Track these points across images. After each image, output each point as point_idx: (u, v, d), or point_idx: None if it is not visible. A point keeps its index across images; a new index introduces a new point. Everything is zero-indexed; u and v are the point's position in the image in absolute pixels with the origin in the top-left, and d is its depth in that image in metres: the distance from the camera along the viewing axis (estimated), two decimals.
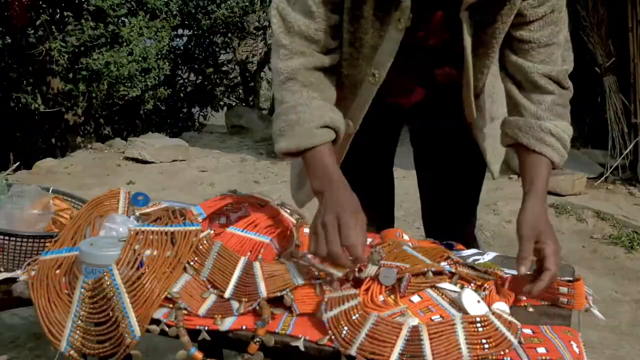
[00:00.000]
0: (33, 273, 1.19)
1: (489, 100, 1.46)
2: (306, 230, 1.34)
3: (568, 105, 1.31)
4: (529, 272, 1.12)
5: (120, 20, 6.67)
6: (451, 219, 1.61)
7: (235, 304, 1.08)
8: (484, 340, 0.96)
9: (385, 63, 1.26)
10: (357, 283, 1.12)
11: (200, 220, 1.28)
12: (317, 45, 1.24)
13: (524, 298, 1.14)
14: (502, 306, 1.07)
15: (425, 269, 1.13)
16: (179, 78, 8.82)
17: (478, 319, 0.98)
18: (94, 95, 6.78)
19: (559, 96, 1.28)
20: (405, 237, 1.33)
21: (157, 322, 1.06)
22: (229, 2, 8.42)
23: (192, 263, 1.15)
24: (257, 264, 1.14)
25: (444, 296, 1.12)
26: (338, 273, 1.11)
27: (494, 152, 1.51)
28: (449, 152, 1.55)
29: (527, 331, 1.02)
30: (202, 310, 1.07)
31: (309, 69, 1.23)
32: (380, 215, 1.61)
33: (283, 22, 1.23)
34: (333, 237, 1.06)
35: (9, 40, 6.74)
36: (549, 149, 1.25)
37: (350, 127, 1.35)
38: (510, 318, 1.01)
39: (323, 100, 1.23)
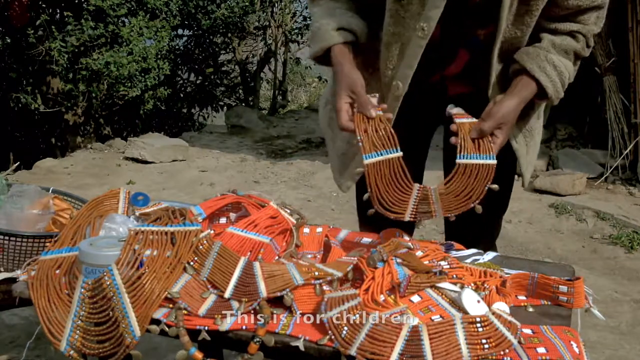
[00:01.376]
0: (33, 273, 1.19)
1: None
2: (306, 230, 1.34)
3: (580, 58, 1.39)
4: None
5: (120, 20, 6.67)
6: (477, 228, 1.58)
7: (235, 304, 1.08)
8: (484, 340, 0.96)
9: (434, 16, 1.27)
10: (357, 283, 1.12)
11: (200, 220, 1.28)
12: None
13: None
14: (502, 306, 1.07)
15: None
16: (179, 78, 8.82)
17: (478, 319, 0.98)
18: (94, 95, 6.78)
19: (582, 49, 1.36)
20: (405, 237, 1.33)
21: (157, 322, 1.06)
22: (229, 2, 8.43)
23: (192, 263, 1.15)
24: (257, 264, 1.14)
25: (444, 296, 1.12)
26: (338, 273, 1.11)
27: (529, 158, 1.51)
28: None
29: (527, 331, 1.02)
30: (202, 310, 1.07)
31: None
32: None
33: None
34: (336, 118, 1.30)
35: (9, 40, 6.74)
36: (547, 79, 1.30)
37: (399, 89, 1.37)
38: (510, 318, 1.01)
39: (345, 9, 1.36)
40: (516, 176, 1.69)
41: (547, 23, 1.34)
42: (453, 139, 1.29)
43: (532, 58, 1.31)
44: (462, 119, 1.33)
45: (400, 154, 1.26)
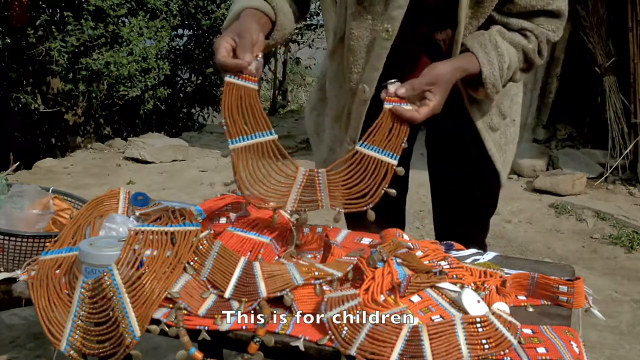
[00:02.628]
0: (33, 273, 1.19)
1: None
2: (306, 230, 1.34)
3: (529, 60, 1.31)
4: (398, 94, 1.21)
5: (120, 20, 6.67)
6: (464, 228, 1.59)
7: (235, 304, 1.08)
8: (484, 341, 0.96)
9: (397, 17, 1.27)
10: (357, 283, 1.12)
11: (200, 220, 1.28)
12: None
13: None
14: (502, 306, 1.07)
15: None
16: (179, 78, 8.81)
17: (478, 319, 0.98)
18: (94, 95, 6.78)
19: (532, 50, 1.29)
20: (405, 237, 1.33)
21: (157, 322, 1.06)
22: (229, 2, 8.42)
23: (192, 263, 1.15)
24: (257, 264, 1.14)
25: (444, 296, 1.12)
26: (338, 273, 1.11)
27: (503, 161, 1.51)
28: (462, 160, 1.53)
29: (527, 331, 1.02)
30: (202, 310, 1.07)
31: None
32: (389, 216, 1.60)
33: None
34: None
35: (9, 40, 6.74)
36: (485, 57, 1.25)
37: (366, 92, 1.36)
38: (510, 318, 1.01)
39: None
40: (516, 176, 1.69)
41: (499, 17, 1.31)
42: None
43: (475, 37, 1.28)
44: (394, 103, 1.22)
45: (274, 136, 1.16)
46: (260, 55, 1.20)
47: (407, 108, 1.21)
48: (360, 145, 1.17)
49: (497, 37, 1.27)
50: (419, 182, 1.65)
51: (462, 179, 1.54)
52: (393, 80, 1.24)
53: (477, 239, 1.56)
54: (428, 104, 1.21)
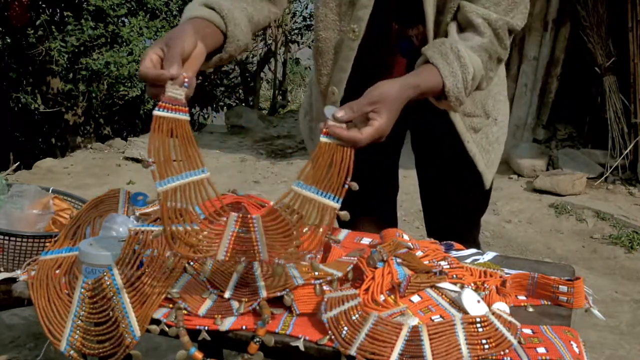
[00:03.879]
0: (33, 273, 1.19)
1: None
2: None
3: (494, 60, 1.23)
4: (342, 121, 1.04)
5: (120, 20, 6.67)
6: (454, 227, 1.59)
7: (235, 304, 1.08)
8: (484, 341, 0.96)
9: (363, 17, 1.25)
10: (357, 283, 1.12)
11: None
12: None
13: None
14: (502, 306, 1.07)
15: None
16: None
17: (478, 319, 0.98)
18: (94, 95, 6.78)
19: (491, 43, 1.20)
20: (405, 237, 1.33)
21: (157, 322, 1.06)
22: None
23: (192, 263, 1.15)
24: (257, 264, 1.14)
25: (444, 296, 1.12)
26: (338, 273, 1.11)
27: (487, 161, 1.49)
28: (445, 161, 1.52)
29: (527, 331, 1.02)
30: (202, 310, 1.07)
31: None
32: (380, 217, 1.61)
33: None
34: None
35: (9, 40, 6.74)
36: (447, 68, 1.14)
37: (334, 95, 1.35)
38: (510, 318, 1.01)
39: (230, 2, 1.19)
40: (516, 176, 1.69)
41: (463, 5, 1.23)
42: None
43: (436, 45, 1.18)
44: (334, 131, 1.03)
45: (207, 175, 1.00)
46: (187, 80, 1.03)
47: (347, 130, 1.04)
48: (295, 185, 1.01)
49: (459, 46, 1.17)
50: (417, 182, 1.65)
51: (447, 180, 1.54)
52: (329, 106, 1.09)
53: (467, 238, 1.56)
54: (372, 124, 1.06)
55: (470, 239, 1.60)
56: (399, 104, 1.10)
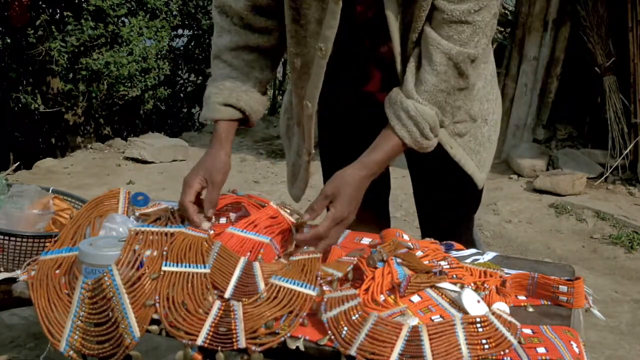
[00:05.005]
0: (33, 273, 1.19)
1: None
2: (306, 230, 1.34)
3: (455, 93, 1.24)
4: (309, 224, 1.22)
5: (120, 20, 6.67)
6: (447, 226, 1.59)
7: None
8: (484, 341, 0.96)
9: (330, 36, 1.26)
10: (357, 283, 1.12)
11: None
12: (246, 23, 1.36)
13: (305, 247, 1.18)
14: (502, 306, 1.07)
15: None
16: (179, 78, 8.81)
17: (478, 319, 0.98)
18: (94, 95, 6.78)
19: (446, 82, 1.22)
20: (405, 237, 1.33)
21: (157, 322, 1.06)
22: None
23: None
24: (257, 264, 1.14)
25: (444, 296, 1.12)
26: (338, 273, 1.11)
27: (478, 162, 1.49)
28: (433, 164, 1.52)
29: (527, 331, 1.02)
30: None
31: (234, 48, 1.36)
32: (375, 214, 1.61)
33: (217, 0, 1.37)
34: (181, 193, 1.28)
35: (9, 40, 6.74)
36: (402, 129, 1.23)
37: (309, 108, 1.37)
38: (510, 318, 1.01)
39: (242, 81, 1.35)
40: (516, 176, 1.69)
41: (429, 30, 1.23)
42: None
43: (392, 105, 1.25)
44: (300, 240, 1.20)
45: (207, 271, 1.12)
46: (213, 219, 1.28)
47: (307, 235, 1.20)
48: (274, 278, 1.10)
49: (408, 103, 1.22)
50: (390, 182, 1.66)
51: (437, 182, 1.54)
52: (295, 219, 1.29)
53: (461, 236, 1.56)
54: (328, 216, 1.19)
55: (466, 236, 1.60)
56: (356, 190, 1.22)
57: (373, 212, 1.59)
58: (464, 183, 1.50)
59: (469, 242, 1.60)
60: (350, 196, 1.20)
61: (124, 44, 6.47)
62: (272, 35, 1.38)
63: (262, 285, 1.09)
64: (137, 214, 1.35)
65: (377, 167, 1.25)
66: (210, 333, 1.02)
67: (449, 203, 1.56)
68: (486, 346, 0.95)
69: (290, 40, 1.32)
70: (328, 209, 1.20)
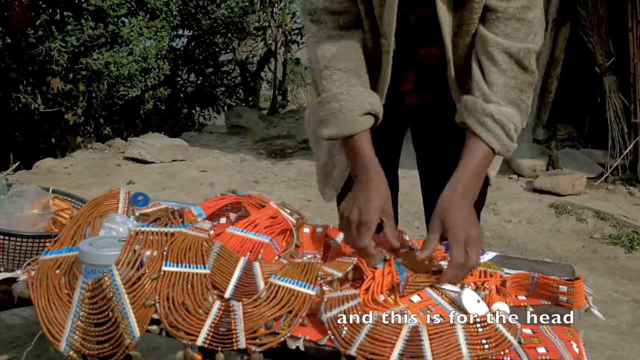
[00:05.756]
0: (33, 273, 1.19)
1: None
2: (306, 230, 1.34)
3: (526, 89, 1.24)
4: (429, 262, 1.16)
5: (120, 20, 6.68)
6: None
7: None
8: (484, 341, 0.96)
9: (389, 32, 1.27)
10: (357, 283, 1.12)
11: (200, 221, 1.28)
12: (346, 16, 1.29)
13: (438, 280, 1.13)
14: (502, 306, 1.07)
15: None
16: (179, 78, 8.82)
17: (478, 319, 0.98)
18: (94, 95, 6.78)
19: (514, 79, 1.22)
20: (405, 237, 1.33)
21: (157, 322, 1.06)
22: (229, 2, 8.43)
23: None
24: (257, 264, 1.14)
25: (444, 296, 1.11)
26: (338, 273, 1.11)
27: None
28: (450, 159, 1.53)
29: (527, 331, 1.02)
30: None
31: (344, 53, 1.28)
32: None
33: (305, 8, 1.29)
34: (356, 234, 1.17)
35: (9, 40, 6.74)
36: (489, 135, 1.20)
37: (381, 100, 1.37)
38: (510, 318, 1.01)
39: (361, 86, 1.27)
40: (516, 176, 1.68)
41: (485, 33, 1.24)
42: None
43: (472, 113, 1.22)
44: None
45: (207, 271, 1.12)
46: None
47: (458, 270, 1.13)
48: (273, 278, 1.10)
49: (491, 108, 1.20)
50: (417, 182, 1.66)
51: (450, 174, 1.54)
52: (295, 219, 1.32)
53: None
54: (452, 245, 1.12)
55: None
56: (465, 210, 1.15)
57: None
58: None
59: None
60: (466, 218, 1.14)
61: (124, 44, 6.47)
62: (362, 27, 1.33)
63: (262, 285, 1.09)
64: (137, 214, 1.35)
65: (472, 183, 1.19)
66: (210, 333, 1.02)
67: None
68: (486, 346, 0.95)
69: (367, 35, 1.32)
70: (449, 241, 1.13)
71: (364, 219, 1.16)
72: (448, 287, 1.13)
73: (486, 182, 1.54)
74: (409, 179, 1.66)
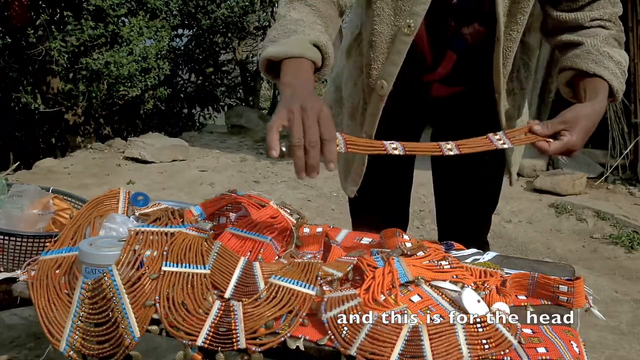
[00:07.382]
0: (33, 273, 1.19)
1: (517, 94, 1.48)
2: (306, 230, 1.34)
3: (622, 44, 1.31)
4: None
5: (120, 20, 6.68)
6: (467, 225, 1.59)
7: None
8: (484, 341, 0.96)
9: (420, 12, 1.26)
10: (357, 283, 1.12)
11: (200, 221, 1.28)
12: None
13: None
14: (502, 306, 1.07)
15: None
16: (179, 78, 8.82)
17: (478, 319, 0.98)
18: (94, 95, 6.78)
19: (612, 30, 1.29)
20: (405, 236, 1.33)
21: (157, 322, 1.06)
22: (229, 2, 8.43)
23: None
24: (257, 264, 1.14)
25: (444, 296, 1.11)
26: (338, 273, 1.11)
27: (515, 157, 1.50)
28: (469, 157, 1.52)
29: (527, 331, 1.02)
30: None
31: (318, 10, 1.22)
32: (395, 215, 1.60)
33: None
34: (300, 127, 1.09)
35: (9, 40, 6.74)
36: (608, 72, 1.23)
37: (384, 88, 1.35)
38: (510, 318, 1.01)
39: (324, 28, 1.21)
40: (516, 176, 1.68)
41: (559, 14, 1.31)
42: None
43: (583, 56, 1.25)
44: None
45: (207, 272, 1.12)
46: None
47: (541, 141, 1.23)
48: (273, 278, 1.09)
49: (605, 49, 1.25)
50: (419, 181, 1.65)
51: (470, 170, 1.53)
52: (295, 219, 1.29)
53: (480, 235, 1.56)
54: (562, 140, 1.21)
55: (483, 237, 1.60)
56: (592, 124, 1.24)
57: (395, 207, 1.59)
58: (495, 173, 1.53)
59: (485, 243, 1.61)
60: (587, 128, 1.23)
61: (124, 43, 6.47)
62: (342, 10, 1.31)
63: (262, 285, 1.09)
64: (137, 214, 1.35)
65: (602, 110, 1.25)
66: (210, 333, 1.02)
67: (474, 199, 1.57)
68: (486, 346, 0.95)
69: (376, 18, 1.31)
70: (559, 135, 1.22)
71: (311, 105, 1.05)
72: (448, 287, 1.13)
73: (500, 183, 1.55)
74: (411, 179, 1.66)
